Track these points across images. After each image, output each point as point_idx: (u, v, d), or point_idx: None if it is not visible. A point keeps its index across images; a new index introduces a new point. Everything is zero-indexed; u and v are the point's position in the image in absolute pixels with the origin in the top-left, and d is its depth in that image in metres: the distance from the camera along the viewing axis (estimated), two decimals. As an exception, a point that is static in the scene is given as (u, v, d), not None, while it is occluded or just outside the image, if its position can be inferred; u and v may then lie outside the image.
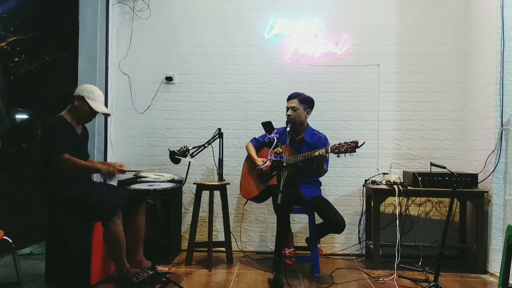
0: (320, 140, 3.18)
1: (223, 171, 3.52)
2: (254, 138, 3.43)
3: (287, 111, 3.18)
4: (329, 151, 2.88)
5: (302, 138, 3.21)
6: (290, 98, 3.22)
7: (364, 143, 2.87)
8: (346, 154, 2.85)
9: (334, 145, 2.88)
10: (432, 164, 2.96)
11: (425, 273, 3.10)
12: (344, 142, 2.85)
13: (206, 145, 3.35)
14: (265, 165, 3.09)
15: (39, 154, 2.81)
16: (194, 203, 3.40)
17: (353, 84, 3.80)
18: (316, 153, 2.92)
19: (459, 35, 3.72)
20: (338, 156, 2.89)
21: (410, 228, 3.58)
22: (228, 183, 3.47)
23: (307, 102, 3.20)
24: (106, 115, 2.98)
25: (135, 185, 2.70)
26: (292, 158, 3.05)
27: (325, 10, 3.82)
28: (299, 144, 3.21)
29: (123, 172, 2.78)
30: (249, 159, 3.35)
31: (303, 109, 3.18)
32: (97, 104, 2.82)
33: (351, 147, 2.83)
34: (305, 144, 3.20)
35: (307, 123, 3.27)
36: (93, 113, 2.85)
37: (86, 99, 2.78)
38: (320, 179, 3.31)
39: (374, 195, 3.33)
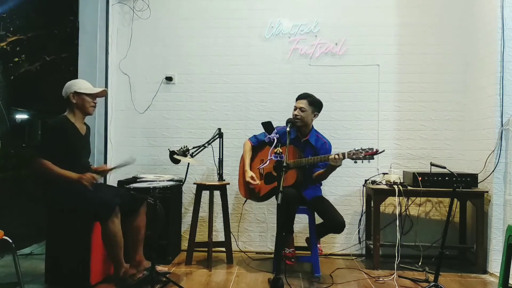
0: (324, 146, 3.16)
1: (223, 171, 3.52)
2: (254, 136, 3.40)
3: (294, 110, 3.17)
4: (346, 156, 2.82)
5: (307, 140, 3.20)
6: (299, 98, 3.20)
7: (383, 151, 2.84)
8: (364, 160, 2.81)
9: (351, 151, 2.82)
10: (432, 164, 2.96)
11: (425, 273, 3.10)
12: (361, 148, 2.80)
13: (206, 145, 3.35)
14: (264, 165, 3.09)
15: None
16: (194, 203, 3.40)
17: (353, 84, 3.80)
18: (331, 157, 2.84)
19: (459, 35, 3.72)
20: (355, 162, 2.83)
21: (410, 228, 3.58)
22: (228, 183, 3.47)
23: (316, 105, 3.19)
24: (104, 93, 2.98)
25: (135, 184, 2.71)
26: (301, 160, 3.01)
27: (325, 10, 3.82)
28: (303, 146, 3.20)
29: (96, 179, 2.73)
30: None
31: (311, 112, 3.16)
32: (90, 89, 2.87)
33: (370, 154, 2.78)
34: (309, 146, 3.19)
35: (313, 126, 3.27)
36: (94, 98, 2.88)
37: (79, 90, 2.82)
38: (320, 179, 3.30)
39: (374, 195, 3.33)
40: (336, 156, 2.82)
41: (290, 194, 2.90)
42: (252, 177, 3.13)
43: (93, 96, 2.88)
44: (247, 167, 3.22)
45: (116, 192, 2.88)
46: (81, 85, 2.86)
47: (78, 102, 2.82)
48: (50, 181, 2.70)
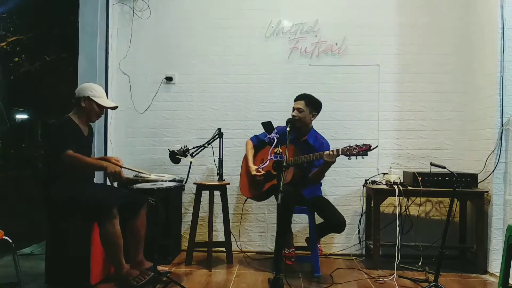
0: (322, 146, 3.16)
1: (223, 171, 3.52)
2: (255, 135, 3.42)
3: (292, 111, 3.17)
4: (340, 153, 2.82)
5: (306, 140, 3.21)
6: (297, 98, 3.20)
7: (377, 146, 2.85)
8: (358, 157, 2.80)
9: (346, 147, 2.82)
10: (432, 164, 2.96)
11: (425, 273, 3.10)
12: (355, 144, 2.80)
13: (206, 145, 3.35)
14: (264, 165, 3.09)
15: (43, 153, 2.82)
16: (194, 203, 3.40)
17: (353, 84, 3.80)
18: (326, 153, 2.85)
19: (459, 35, 3.72)
20: (349, 158, 2.84)
21: (410, 228, 3.58)
22: (228, 183, 3.47)
23: (314, 105, 3.19)
24: (115, 108, 2.99)
25: (138, 184, 2.67)
26: (298, 158, 3.02)
27: (325, 9, 3.82)
28: (301, 146, 3.20)
29: (121, 174, 2.67)
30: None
31: (308, 112, 3.17)
32: (103, 100, 2.86)
33: (363, 150, 2.77)
34: (307, 146, 3.19)
35: (312, 126, 3.27)
36: (102, 109, 2.88)
37: (92, 97, 2.80)
38: (320, 179, 3.29)
39: (374, 195, 3.33)
40: (331, 153, 2.83)
41: (287, 192, 2.90)
42: (257, 170, 3.14)
43: (103, 108, 2.87)
44: (251, 163, 3.23)
45: (115, 192, 2.86)
46: (96, 92, 2.82)
47: (86, 107, 2.81)
48: (54, 180, 2.70)
